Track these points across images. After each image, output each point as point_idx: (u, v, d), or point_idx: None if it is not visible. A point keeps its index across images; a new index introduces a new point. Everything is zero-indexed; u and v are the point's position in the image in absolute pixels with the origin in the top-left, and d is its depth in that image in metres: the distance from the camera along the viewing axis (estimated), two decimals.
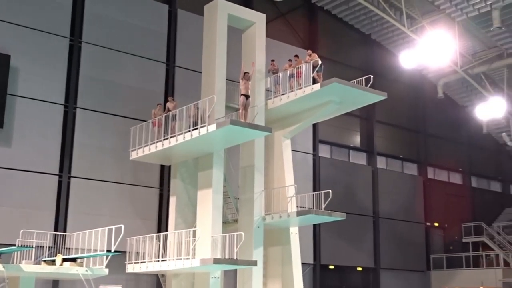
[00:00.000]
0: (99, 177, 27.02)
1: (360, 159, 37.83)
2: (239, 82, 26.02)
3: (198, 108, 22.31)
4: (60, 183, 26.05)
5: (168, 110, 24.23)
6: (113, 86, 28.18)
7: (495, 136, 44.68)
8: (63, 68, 26.87)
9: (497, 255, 37.28)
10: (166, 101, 26.54)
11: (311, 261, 33.10)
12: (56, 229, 25.01)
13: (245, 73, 22.38)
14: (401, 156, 39.93)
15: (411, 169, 40.52)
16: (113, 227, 19.83)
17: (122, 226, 19.43)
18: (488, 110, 39.29)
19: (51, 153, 26.00)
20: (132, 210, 27.55)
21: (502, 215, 43.63)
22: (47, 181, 25.71)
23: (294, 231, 26.26)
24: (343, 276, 35.27)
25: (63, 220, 25.82)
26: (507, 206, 44.67)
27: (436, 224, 40.25)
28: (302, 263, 26.84)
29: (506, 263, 36.65)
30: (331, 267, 34.33)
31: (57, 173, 26.05)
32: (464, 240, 39.85)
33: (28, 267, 19.37)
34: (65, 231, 24.55)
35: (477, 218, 41.25)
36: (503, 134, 39.93)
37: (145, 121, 25.10)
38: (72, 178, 26.38)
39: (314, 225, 32.72)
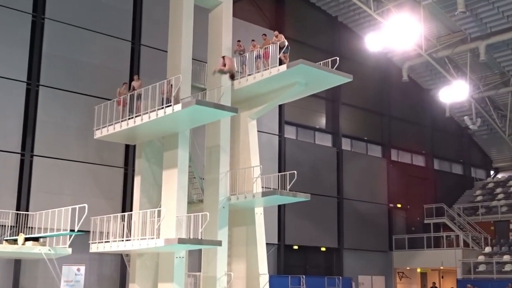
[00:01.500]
0: (62, 156, 26.73)
1: (325, 140, 38.17)
2: (205, 62, 26.03)
3: (172, 85, 22.15)
4: (22, 161, 25.69)
5: (134, 89, 24.03)
6: (77, 64, 27.79)
7: (458, 120, 45.53)
8: (26, 45, 26.36)
9: (457, 236, 38.18)
10: (131, 80, 26.32)
11: (276, 241, 33.40)
12: (18, 208, 24.69)
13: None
14: (365, 138, 40.42)
15: (375, 151, 41.07)
16: (77, 206, 19.73)
17: (86, 205, 19.34)
18: (451, 93, 39.97)
19: (13, 131, 25.59)
20: (96, 190, 27.36)
21: (463, 197, 44.64)
22: (9, 160, 25.33)
23: (259, 212, 26.43)
24: (307, 256, 35.70)
25: (26, 199, 25.51)
26: (467, 188, 45.71)
27: (399, 205, 40.97)
28: (267, 243, 27.06)
29: (466, 244, 37.57)
30: (295, 247, 34.70)
31: (19, 151, 25.68)
32: (425, 222, 40.67)
33: None
34: (27, 211, 24.27)
35: (439, 200, 42.12)
36: (465, 117, 40.70)
37: (110, 100, 24.86)
38: (34, 157, 26.04)
39: (279, 206, 32.97)
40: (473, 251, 37.16)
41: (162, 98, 21.99)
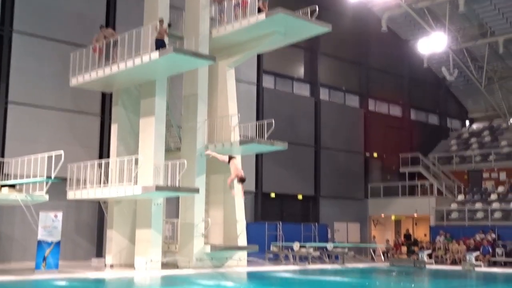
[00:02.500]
0: (37, 103, 26.43)
1: (303, 90, 38.13)
2: (182, 10, 25.62)
3: (159, 28, 21.82)
4: None
5: (105, 38, 23.67)
6: (53, 10, 27.20)
7: (435, 71, 45.64)
8: None
9: (431, 185, 38.79)
10: (107, 26, 25.89)
11: (253, 189, 33.68)
12: None
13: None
14: (343, 88, 40.43)
15: (353, 101, 41.18)
16: (53, 153, 19.66)
17: (62, 152, 19.28)
18: (430, 44, 39.93)
19: None
20: (73, 138, 27.19)
21: (438, 146, 45.16)
22: None
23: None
24: (284, 204, 36.12)
25: (1, 146, 25.33)
26: (443, 138, 46.22)
27: (375, 154, 41.37)
28: (244, 191, 27.32)
29: (440, 192, 38.24)
30: (273, 195, 35.04)
31: None
32: (401, 171, 41.19)
33: None
34: (2, 157, 24.10)
35: (415, 149, 42.59)
36: (443, 68, 40.75)
37: (85, 47, 24.47)
38: (9, 104, 25.71)
39: (257, 155, 33.12)
40: (446, 199, 37.87)
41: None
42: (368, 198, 39.89)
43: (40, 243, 20.83)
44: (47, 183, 20.21)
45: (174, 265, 24.19)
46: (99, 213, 27.48)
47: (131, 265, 23.68)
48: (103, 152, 27.90)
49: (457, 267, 28.93)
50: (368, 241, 38.26)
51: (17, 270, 21.16)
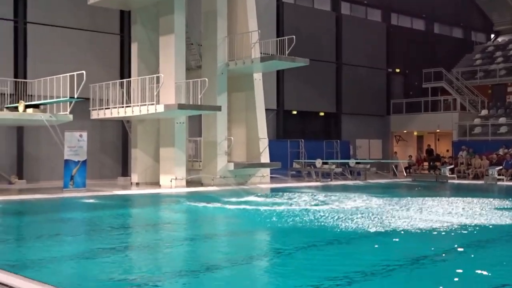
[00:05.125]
0: (56, 23, 26.15)
1: (324, 5, 37.18)
2: None
3: None
4: (15, 29, 25.19)
5: None
6: None
7: None
8: None
9: (454, 100, 38.32)
10: None
11: (275, 107, 33.60)
12: (16, 76, 24.58)
13: None
14: (365, 2, 39.35)
15: (375, 15, 40.15)
16: (75, 73, 19.60)
17: (84, 72, 19.21)
18: None
19: None
20: (93, 57, 27.05)
21: (462, 61, 44.28)
22: (2, 27, 24.83)
23: (257, 77, 26.40)
24: (306, 121, 36.10)
25: (23, 67, 25.34)
26: (467, 52, 45.25)
27: (398, 70, 40.77)
28: (266, 109, 27.33)
29: (463, 107, 37.82)
30: (294, 112, 34.98)
31: (12, 18, 25.08)
32: (424, 86, 40.62)
33: None
34: (25, 78, 24.15)
35: (438, 64, 41.80)
36: None
37: None
38: (28, 24, 25.49)
39: (278, 72, 32.81)
40: (469, 114, 37.48)
41: None
42: (390, 115, 39.64)
43: (67, 162, 21.16)
44: (70, 103, 20.29)
45: (198, 183, 24.54)
46: (123, 132, 27.72)
47: (156, 183, 24.08)
48: (124, 71, 27.80)
49: (479, 182, 28.98)
50: (390, 157, 38.31)
51: (45, 189, 21.65)
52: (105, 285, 7.32)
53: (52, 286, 6.53)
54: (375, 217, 13.77)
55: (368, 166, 31.27)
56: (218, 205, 17.30)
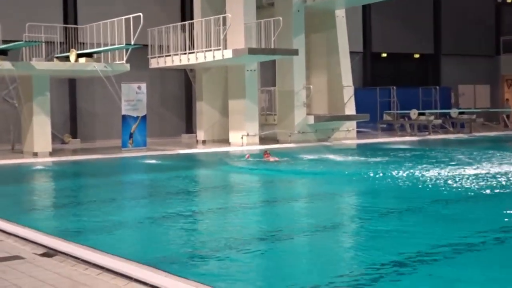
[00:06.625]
0: None
1: None
2: None
3: None
4: None
5: None
6: None
7: None
8: None
9: None
10: None
11: (361, 49, 33.15)
12: (65, 22, 25.18)
13: None
14: None
15: None
16: (131, 16, 19.86)
17: (141, 14, 19.43)
18: None
19: None
20: None
21: None
22: None
23: (340, 15, 26.01)
24: (398, 65, 35.47)
25: (73, 11, 25.96)
26: None
27: (509, 0, 39.27)
28: (350, 52, 26.98)
29: None
30: (384, 55, 34.46)
31: None
32: None
33: (40, 65, 19.87)
34: (76, 24, 24.70)
35: None
36: None
37: None
38: None
39: (364, 7, 32.26)
40: None
41: None
42: (500, 54, 38.40)
43: (125, 118, 21.66)
44: (126, 50, 20.63)
45: (273, 140, 24.65)
46: (186, 83, 28.09)
47: (225, 141, 24.35)
48: (185, 11, 27.98)
49: None
50: (500, 106, 37.22)
51: (102, 149, 22.35)
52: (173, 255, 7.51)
53: (120, 257, 6.76)
54: None
55: (474, 116, 30.53)
56: (296, 166, 17.33)
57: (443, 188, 12.17)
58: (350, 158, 18.95)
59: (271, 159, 17.83)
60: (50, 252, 7.03)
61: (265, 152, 18.38)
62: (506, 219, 9.40)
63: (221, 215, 10.50)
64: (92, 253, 6.86)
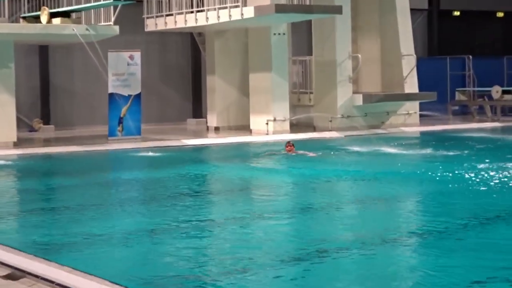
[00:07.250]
0: None
1: None
2: None
3: None
4: None
5: None
6: None
7: None
8: None
9: None
10: None
11: (425, 6, 33.05)
12: None
13: None
14: None
15: None
16: None
17: None
18: None
19: None
20: None
21: None
22: None
23: None
24: (475, 27, 35.21)
25: None
26: None
27: None
28: (411, 9, 26.79)
29: None
30: (456, 13, 34.32)
31: None
32: None
33: (2, 27, 19.84)
34: None
35: None
36: None
37: None
38: None
39: None
40: None
41: None
42: None
43: (112, 98, 21.62)
44: (115, 7, 20.57)
45: (309, 126, 24.59)
46: (192, 49, 28.06)
47: (244, 128, 24.29)
48: None
49: None
50: None
51: (83, 138, 22.38)
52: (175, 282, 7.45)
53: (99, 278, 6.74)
54: None
55: None
56: (339, 162, 17.27)
57: None
58: (411, 151, 18.83)
59: (301, 153, 17.81)
60: (15, 274, 7.00)
61: (287, 143, 18.38)
62: None
63: (241, 227, 10.41)
64: (69, 274, 6.82)
